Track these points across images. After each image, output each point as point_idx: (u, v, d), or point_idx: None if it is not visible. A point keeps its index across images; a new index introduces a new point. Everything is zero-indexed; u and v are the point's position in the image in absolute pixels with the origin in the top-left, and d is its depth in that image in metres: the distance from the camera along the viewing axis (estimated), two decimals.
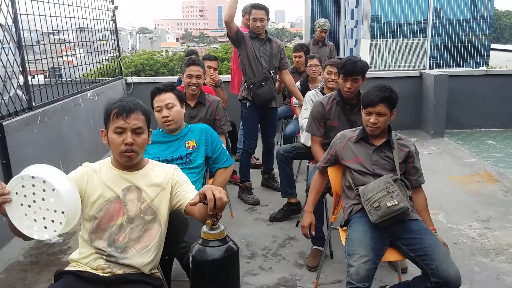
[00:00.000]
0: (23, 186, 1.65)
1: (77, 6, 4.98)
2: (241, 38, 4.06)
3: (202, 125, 2.96)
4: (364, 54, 61.72)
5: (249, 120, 4.32)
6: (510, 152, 5.73)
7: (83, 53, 5.40)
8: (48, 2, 4.30)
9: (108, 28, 6.11)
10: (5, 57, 3.52)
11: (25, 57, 3.85)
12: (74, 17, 4.94)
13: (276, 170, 4.30)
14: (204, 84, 3.91)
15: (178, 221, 2.04)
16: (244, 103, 4.27)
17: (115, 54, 6.38)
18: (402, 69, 53.98)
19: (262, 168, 4.76)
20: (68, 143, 4.52)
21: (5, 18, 3.61)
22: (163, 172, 1.99)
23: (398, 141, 2.55)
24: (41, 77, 5.24)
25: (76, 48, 5.35)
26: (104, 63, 6.02)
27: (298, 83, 4.82)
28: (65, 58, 5.04)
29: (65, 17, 4.72)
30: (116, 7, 6.14)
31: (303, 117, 3.90)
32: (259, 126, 4.41)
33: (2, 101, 3.49)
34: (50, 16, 4.38)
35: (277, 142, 5.44)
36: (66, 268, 1.91)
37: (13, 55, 3.67)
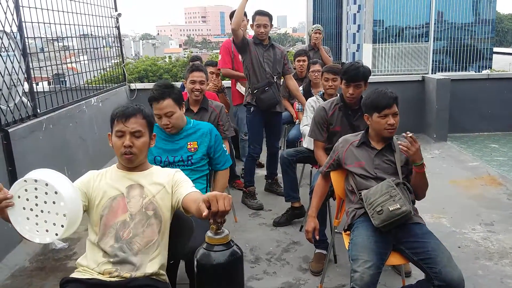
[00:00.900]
0: (25, 190, 1.68)
1: (81, 13, 5.03)
2: (246, 44, 4.11)
3: (207, 126, 2.96)
4: (367, 59, 61.79)
5: (253, 125, 4.35)
6: None
7: (87, 60, 5.43)
8: (53, 10, 4.35)
9: (112, 35, 6.16)
10: (10, 65, 3.56)
11: (30, 65, 3.89)
12: (78, 25, 4.99)
13: (279, 175, 4.32)
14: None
15: (183, 224, 2.06)
16: (248, 108, 4.31)
17: (118, 61, 6.43)
18: (404, 73, 54.02)
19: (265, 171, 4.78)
20: (73, 149, 4.55)
21: (10, 26, 3.65)
22: (165, 173, 2.09)
23: (399, 145, 2.57)
24: (45, 84, 5.28)
25: (80, 55, 5.39)
26: (108, 69, 6.06)
27: (300, 88, 4.84)
28: (69, 65, 5.08)
29: (69, 24, 4.77)
30: (119, 14, 6.19)
31: (304, 124, 3.93)
32: (263, 131, 4.44)
33: (8, 108, 3.52)
34: (55, 24, 4.43)
35: (280, 146, 5.45)
36: (72, 275, 1.93)
37: (18, 62, 3.70)
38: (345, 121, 3.22)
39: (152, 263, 1.94)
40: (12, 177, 3.36)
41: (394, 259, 2.39)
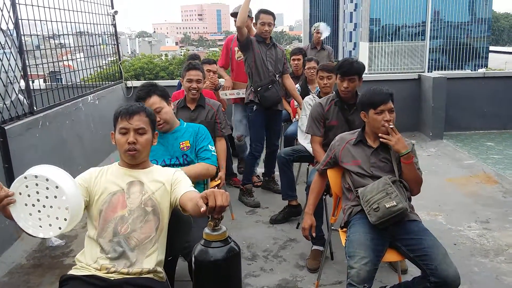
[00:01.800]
0: (26, 186, 1.69)
1: (77, 11, 5.01)
2: (249, 42, 4.13)
3: (198, 125, 3.00)
4: (363, 57, 61.83)
5: (256, 124, 4.34)
6: (508, 154, 5.76)
7: (83, 57, 5.42)
8: (49, 8, 4.33)
9: (108, 33, 6.14)
10: (6, 62, 3.55)
11: (26, 62, 3.88)
12: (74, 22, 4.97)
13: (276, 173, 4.33)
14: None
15: (181, 220, 2.08)
16: (250, 107, 4.30)
17: (115, 58, 6.41)
18: (401, 71, 54.07)
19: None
20: (69, 147, 4.54)
21: (7, 24, 3.64)
22: (165, 172, 2.12)
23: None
24: (40, 81, 5.26)
25: (76, 52, 5.38)
26: (104, 67, 6.05)
27: (297, 85, 4.87)
28: (65, 63, 5.07)
29: (66, 22, 4.75)
30: (116, 12, 6.17)
31: (302, 122, 3.95)
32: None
33: (4, 105, 3.52)
34: (51, 21, 4.41)
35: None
36: (70, 272, 1.94)
37: (15, 60, 3.70)
38: (341, 115, 3.25)
39: (149, 259, 1.95)
40: (9, 174, 3.36)
41: (390, 256, 2.41)
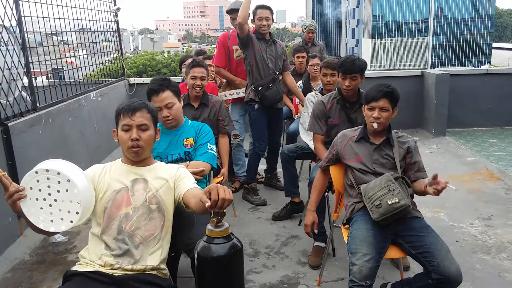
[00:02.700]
0: (37, 181, 1.70)
1: (79, 8, 5.02)
2: (250, 39, 4.10)
3: (202, 124, 3.00)
4: (366, 54, 61.63)
5: (258, 123, 4.30)
6: (511, 151, 5.74)
7: (86, 54, 5.43)
8: (52, 4, 4.34)
9: (110, 30, 6.14)
10: (9, 59, 3.56)
11: (29, 59, 3.89)
12: (77, 19, 4.98)
13: (279, 170, 4.32)
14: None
15: (184, 217, 2.08)
16: (251, 105, 4.25)
17: (117, 55, 6.42)
18: (403, 68, 54.00)
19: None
20: (72, 143, 4.56)
21: (10, 21, 3.65)
22: (168, 169, 2.12)
23: (397, 139, 2.58)
24: (43, 78, 5.27)
25: (78, 49, 5.39)
26: (107, 64, 6.06)
27: (300, 82, 4.85)
28: (67, 59, 5.08)
29: (68, 19, 4.76)
30: (118, 9, 6.18)
31: (304, 119, 3.94)
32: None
33: (7, 102, 3.53)
34: (54, 18, 4.42)
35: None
36: (74, 268, 1.95)
37: (18, 57, 3.71)
38: (343, 113, 3.24)
39: (153, 257, 1.96)
40: (12, 171, 3.37)
41: (393, 253, 2.41)
